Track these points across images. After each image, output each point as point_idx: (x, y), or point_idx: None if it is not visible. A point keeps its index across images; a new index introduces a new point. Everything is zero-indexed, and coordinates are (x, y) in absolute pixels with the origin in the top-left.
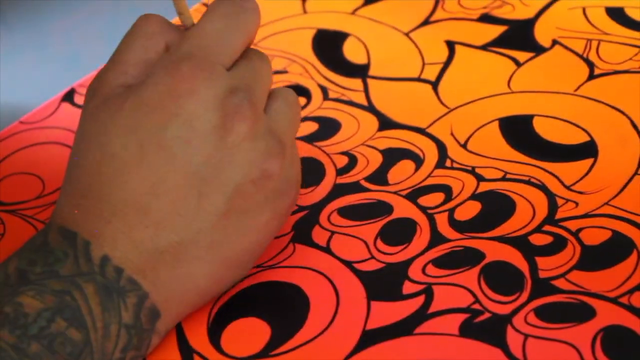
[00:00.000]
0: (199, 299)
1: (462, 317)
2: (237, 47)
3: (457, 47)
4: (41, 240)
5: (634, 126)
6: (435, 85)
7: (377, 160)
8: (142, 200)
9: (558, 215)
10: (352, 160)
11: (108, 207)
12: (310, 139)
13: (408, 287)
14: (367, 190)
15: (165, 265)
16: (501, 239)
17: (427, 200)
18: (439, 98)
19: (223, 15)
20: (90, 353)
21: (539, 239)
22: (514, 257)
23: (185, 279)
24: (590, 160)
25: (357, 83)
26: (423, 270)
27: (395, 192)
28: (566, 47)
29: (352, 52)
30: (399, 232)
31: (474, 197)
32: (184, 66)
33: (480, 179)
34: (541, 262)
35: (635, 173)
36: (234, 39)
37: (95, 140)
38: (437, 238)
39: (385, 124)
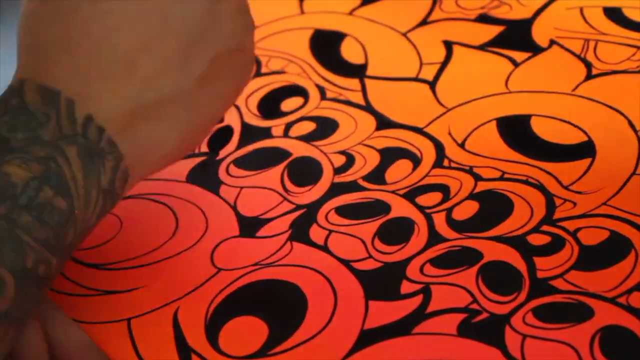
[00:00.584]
0: (161, 162)
1: (460, 317)
2: None
3: (455, 47)
4: (18, 102)
5: (632, 126)
6: (432, 85)
7: (374, 159)
8: (133, 56)
9: (556, 215)
10: (350, 160)
11: (97, 65)
12: (307, 138)
13: (406, 287)
14: (364, 189)
15: (144, 125)
16: (499, 239)
17: (424, 199)
18: (436, 98)
19: None
20: (73, 222)
21: (537, 239)
22: (512, 257)
23: (157, 140)
24: (588, 160)
25: (354, 83)
26: (421, 270)
27: (392, 192)
28: (564, 47)
29: (349, 52)
30: (397, 231)
31: (471, 196)
32: None
33: (478, 178)
34: (539, 262)
35: (633, 173)
36: None
37: None
38: (435, 237)
39: (383, 123)
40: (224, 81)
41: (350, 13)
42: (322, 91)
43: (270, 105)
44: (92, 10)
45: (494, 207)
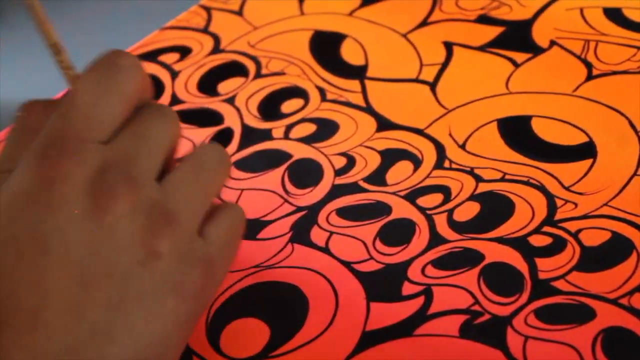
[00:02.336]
0: None
1: (462, 318)
2: (115, 114)
3: (455, 48)
4: None
5: (633, 126)
6: (433, 86)
7: (375, 161)
8: (29, 302)
9: (557, 216)
10: (351, 161)
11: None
12: (308, 140)
13: (407, 288)
14: (365, 190)
15: None
16: (500, 240)
17: (425, 201)
18: (437, 99)
19: (94, 83)
20: None
21: (538, 240)
22: (514, 258)
23: None
24: (589, 161)
25: (355, 84)
26: (422, 271)
27: (393, 193)
28: (564, 48)
29: (349, 53)
30: (398, 232)
31: (473, 198)
32: (52, 151)
33: (479, 179)
34: (541, 263)
35: (635, 173)
36: (109, 107)
37: None
38: (436, 239)
39: (384, 125)
40: (152, 297)
41: (350, 14)
42: (322, 93)
43: (270, 107)
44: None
45: (495, 208)
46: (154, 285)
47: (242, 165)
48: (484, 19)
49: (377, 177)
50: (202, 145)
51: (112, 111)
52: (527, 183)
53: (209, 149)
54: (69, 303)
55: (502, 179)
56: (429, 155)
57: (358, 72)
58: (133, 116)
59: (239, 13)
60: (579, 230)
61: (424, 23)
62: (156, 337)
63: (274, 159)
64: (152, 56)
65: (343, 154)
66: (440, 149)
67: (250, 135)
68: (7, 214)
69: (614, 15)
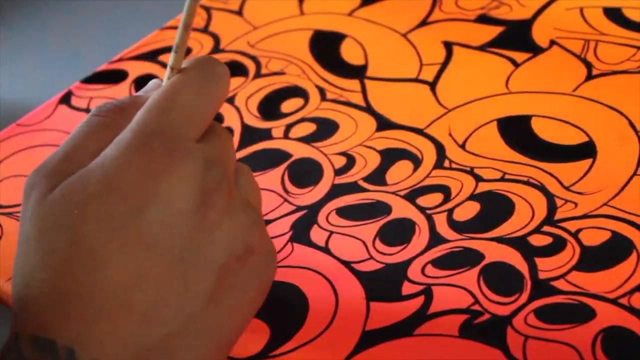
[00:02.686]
0: None
1: (462, 318)
2: (208, 118)
3: (455, 48)
4: (16, 357)
5: (632, 126)
6: (433, 86)
7: (375, 160)
8: (126, 293)
9: (557, 216)
10: (350, 161)
11: (90, 308)
12: (308, 139)
13: (407, 288)
14: (365, 190)
15: None
16: (500, 240)
17: (425, 200)
18: (437, 99)
19: (195, 85)
20: None
21: (538, 240)
22: (514, 258)
23: None
24: (589, 161)
25: (354, 84)
26: (422, 271)
27: (393, 193)
28: (564, 48)
29: (349, 53)
30: (398, 232)
31: (472, 197)
32: (156, 143)
33: (478, 179)
34: (541, 263)
35: (635, 173)
36: (205, 110)
37: (60, 236)
38: (436, 238)
39: (384, 124)
40: (241, 288)
41: (350, 14)
42: (322, 92)
43: (270, 107)
44: (73, 251)
45: (495, 208)
46: (244, 278)
47: None
48: (484, 19)
49: (377, 177)
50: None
51: (208, 114)
52: (527, 183)
53: (243, 164)
54: (168, 296)
55: (502, 179)
56: (429, 154)
57: (358, 72)
58: (210, 125)
59: (239, 13)
60: (579, 230)
61: (424, 23)
62: (236, 326)
63: (274, 158)
64: (152, 56)
65: (343, 154)
66: (440, 148)
67: (250, 135)
68: (105, 205)
69: (614, 15)
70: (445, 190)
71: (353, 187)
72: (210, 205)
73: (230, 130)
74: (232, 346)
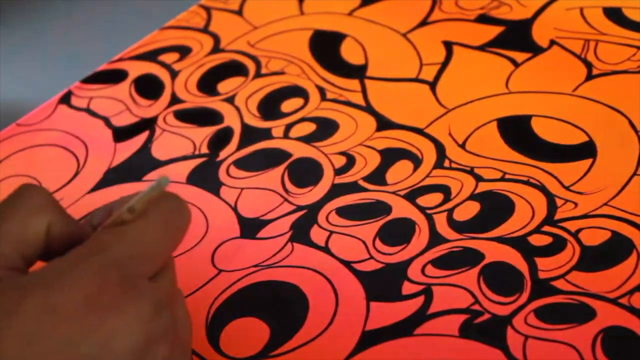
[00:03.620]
0: None
1: (462, 317)
2: (168, 256)
3: (455, 48)
4: None
5: (632, 126)
6: (433, 85)
7: (375, 160)
8: None
9: (557, 216)
10: (350, 161)
11: None
12: (308, 139)
13: (407, 288)
14: (365, 190)
15: None
16: (500, 240)
17: (425, 200)
18: (437, 98)
19: (162, 224)
20: None
21: (538, 240)
22: (514, 258)
23: None
24: (589, 161)
25: (354, 84)
26: (422, 271)
27: (393, 192)
28: (564, 48)
29: (349, 53)
30: (398, 232)
31: (472, 197)
32: (113, 276)
33: (479, 179)
34: (541, 262)
35: (635, 173)
36: (166, 250)
37: None
38: (436, 238)
39: (384, 124)
40: None
41: (350, 14)
42: (322, 92)
43: (270, 106)
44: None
45: (495, 207)
46: None
47: (242, 164)
48: (484, 19)
49: (377, 177)
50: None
51: (168, 253)
52: (527, 182)
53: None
54: None
55: (502, 179)
56: (429, 154)
57: (358, 72)
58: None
59: (239, 13)
60: (579, 230)
61: (424, 23)
62: None
63: (274, 158)
64: (152, 56)
65: (343, 153)
66: (440, 148)
67: (250, 135)
68: (36, 325)
69: (614, 15)
70: (445, 190)
71: (353, 187)
72: (153, 353)
73: (230, 130)
74: None
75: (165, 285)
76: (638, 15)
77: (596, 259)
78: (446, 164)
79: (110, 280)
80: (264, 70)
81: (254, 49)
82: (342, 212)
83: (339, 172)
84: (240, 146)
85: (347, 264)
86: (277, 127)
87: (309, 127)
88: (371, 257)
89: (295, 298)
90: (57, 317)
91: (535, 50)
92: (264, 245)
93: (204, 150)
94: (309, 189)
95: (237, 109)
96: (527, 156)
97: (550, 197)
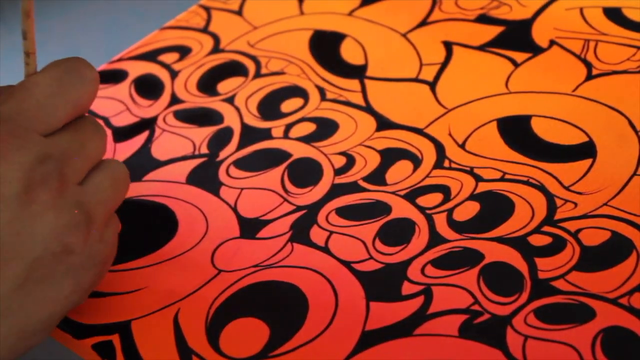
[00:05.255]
0: None
1: (462, 318)
2: (62, 116)
3: (455, 48)
4: None
5: (632, 126)
6: (433, 85)
7: (375, 160)
8: None
9: (557, 216)
10: (350, 161)
11: None
12: (308, 139)
13: (407, 288)
14: (365, 190)
15: None
16: (500, 240)
17: (425, 200)
18: (436, 98)
19: (55, 80)
20: None
21: (538, 240)
22: (513, 258)
23: None
24: (589, 161)
25: (354, 84)
26: (422, 271)
27: (393, 192)
28: (564, 48)
29: (349, 53)
30: (398, 232)
31: (472, 197)
32: (1, 128)
33: (478, 179)
34: (540, 262)
35: (634, 173)
36: (60, 108)
37: None
38: (435, 238)
39: (383, 124)
40: (53, 284)
41: (350, 14)
42: (322, 92)
43: (270, 106)
44: None
45: (494, 207)
46: (59, 274)
47: (241, 164)
48: (484, 19)
49: (377, 177)
50: (112, 162)
51: (62, 111)
52: (526, 183)
53: (120, 167)
54: None
55: (502, 179)
56: (429, 154)
57: (358, 72)
58: (72, 122)
59: (239, 13)
60: (579, 230)
61: (424, 23)
62: (47, 317)
63: (274, 158)
64: (152, 56)
65: (343, 154)
66: (440, 148)
67: (249, 135)
68: None
69: (614, 15)
70: (445, 190)
71: (353, 187)
72: (33, 197)
73: (230, 130)
74: (39, 338)
75: (60, 144)
76: (638, 15)
77: (596, 259)
78: (446, 164)
79: None
80: (263, 71)
81: (254, 49)
82: (342, 212)
83: (338, 172)
84: (240, 146)
85: (347, 264)
86: (277, 127)
87: (308, 127)
88: (371, 257)
89: (295, 298)
90: None
91: (535, 50)
92: (264, 246)
93: (204, 150)
94: (309, 189)
95: (237, 109)
96: (527, 156)
97: (550, 197)
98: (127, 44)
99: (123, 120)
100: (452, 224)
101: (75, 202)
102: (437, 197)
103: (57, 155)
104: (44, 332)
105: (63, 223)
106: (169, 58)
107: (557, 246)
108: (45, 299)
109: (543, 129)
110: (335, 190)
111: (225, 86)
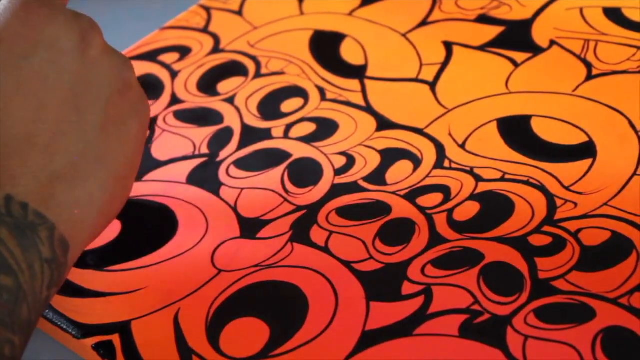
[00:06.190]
0: (99, 221)
1: (462, 318)
2: None
3: (455, 48)
4: None
5: (632, 126)
6: (433, 85)
7: (375, 160)
8: (29, 128)
9: (557, 216)
10: (350, 161)
11: None
12: (308, 139)
13: (407, 288)
14: (365, 190)
15: (64, 189)
16: (500, 240)
17: (425, 200)
18: (436, 99)
19: None
20: (24, 297)
21: (538, 240)
22: (514, 258)
23: (84, 200)
24: (589, 161)
25: (354, 84)
26: (422, 271)
27: (393, 192)
28: (564, 48)
29: (349, 53)
30: (398, 232)
31: (472, 197)
32: (33, 1)
33: (478, 179)
34: (541, 262)
35: (634, 173)
36: None
37: None
38: (436, 238)
39: (383, 124)
40: (125, 122)
41: (350, 14)
42: (322, 92)
43: (270, 107)
44: None
45: (495, 207)
46: (125, 113)
47: (241, 164)
48: (484, 19)
49: (377, 177)
50: None
51: None
52: (527, 183)
53: None
54: (65, 126)
55: (502, 179)
56: (429, 154)
57: (358, 72)
58: None
59: (239, 13)
60: (579, 230)
61: (424, 23)
62: (129, 156)
63: (274, 158)
64: (152, 56)
65: (343, 154)
66: (440, 148)
67: (250, 135)
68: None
69: (614, 15)
70: (445, 190)
71: (353, 187)
72: (89, 42)
73: (230, 130)
74: (129, 181)
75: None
76: (638, 15)
77: (596, 259)
78: (446, 164)
79: (31, 3)
80: (263, 71)
81: (254, 49)
82: (342, 212)
83: (338, 172)
84: (240, 146)
85: (347, 264)
86: (277, 127)
87: (309, 127)
88: (371, 257)
89: (295, 298)
90: (7, 44)
91: (535, 50)
92: (264, 245)
93: (204, 150)
94: (309, 189)
95: (237, 109)
96: (527, 156)
97: (550, 197)
98: (127, 44)
99: None
100: (452, 223)
101: (110, 47)
102: (437, 197)
103: (82, 14)
104: (130, 176)
105: (117, 62)
106: (169, 58)
107: (557, 246)
108: (121, 140)
109: (543, 129)
110: (336, 190)
111: (226, 86)
